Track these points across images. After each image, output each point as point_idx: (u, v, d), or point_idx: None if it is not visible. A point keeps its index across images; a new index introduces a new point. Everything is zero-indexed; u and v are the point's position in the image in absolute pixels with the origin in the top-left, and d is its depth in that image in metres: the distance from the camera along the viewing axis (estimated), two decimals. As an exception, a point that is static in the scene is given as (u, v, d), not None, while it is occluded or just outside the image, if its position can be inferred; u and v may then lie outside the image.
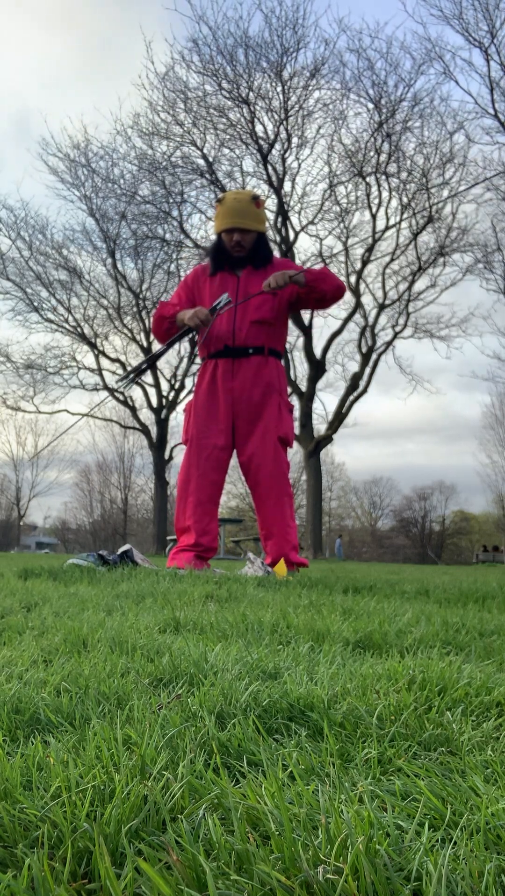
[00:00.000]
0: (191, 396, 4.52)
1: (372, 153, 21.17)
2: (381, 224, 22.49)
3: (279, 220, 22.40)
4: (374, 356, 23.24)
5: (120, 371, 24.97)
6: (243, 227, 4.26)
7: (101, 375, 25.10)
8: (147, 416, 26.16)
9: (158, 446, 25.81)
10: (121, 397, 25.07)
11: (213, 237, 4.52)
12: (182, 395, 25.58)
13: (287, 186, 22.22)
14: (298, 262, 22.90)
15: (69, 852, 0.65)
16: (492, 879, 0.60)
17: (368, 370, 23.14)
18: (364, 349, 23.32)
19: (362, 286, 23.01)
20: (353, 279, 22.81)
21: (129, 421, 28.26)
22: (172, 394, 25.63)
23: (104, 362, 25.17)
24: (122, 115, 41.02)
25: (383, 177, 21.59)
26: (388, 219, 22.41)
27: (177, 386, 25.62)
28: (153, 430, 25.91)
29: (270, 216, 22.73)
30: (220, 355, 4.32)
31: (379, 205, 22.18)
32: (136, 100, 48.12)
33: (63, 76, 54.87)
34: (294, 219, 22.70)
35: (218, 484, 4.35)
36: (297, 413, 23.58)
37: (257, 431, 4.30)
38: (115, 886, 0.60)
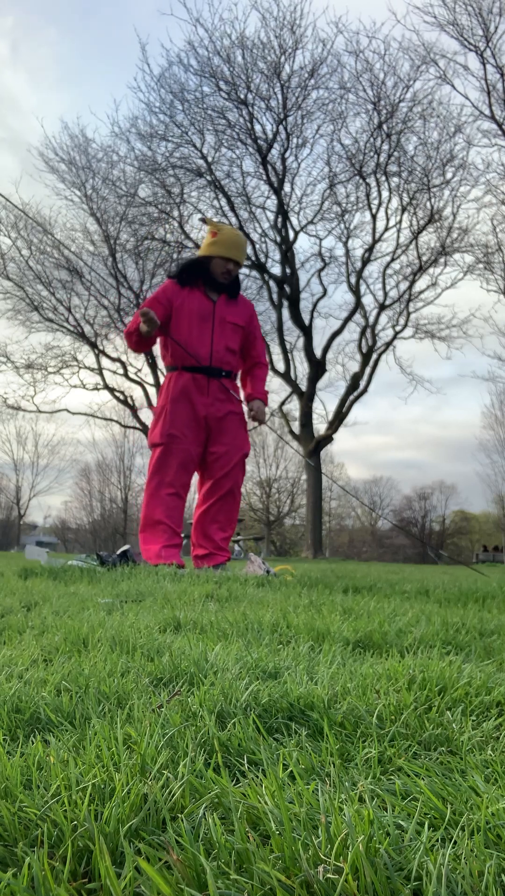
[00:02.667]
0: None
1: (371, 153, 21.17)
2: (381, 224, 22.51)
3: (279, 220, 22.40)
4: (374, 356, 23.24)
5: (120, 371, 24.99)
6: (240, 262, 4.64)
7: (101, 375, 25.09)
8: (147, 416, 26.16)
9: (159, 446, 25.74)
10: (121, 397, 25.08)
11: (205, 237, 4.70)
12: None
13: (287, 187, 22.23)
14: (297, 262, 23.02)
15: (69, 851, 0.65)
16: (492, 879, 0.60)
17: (368, 370, 23.13)
18: (364, 349, 23.30)
19: (363, 286, 23.01)
20: (353, 279, 22.82)
21: (129, 420, 28.25)
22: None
23: (105, 362, 25.19)
24: (119, 117, 40.71)
25: (383, 177, 21.58)
26: (388, 219, 22.41)
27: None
28: (153, 430, 25.84)
29: (270, 216, 22.80)
30: (195, 370, 4.50)
31: (379, 205, 22.18)
32: (134, 102, 48.01)
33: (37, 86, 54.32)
34: (294, 219, 22.72)
35: (187, 487, 4.60)
36: (297, 413, 23.59)
37: (225, 443, 4.57)
38: (115, 886, 0.60)
